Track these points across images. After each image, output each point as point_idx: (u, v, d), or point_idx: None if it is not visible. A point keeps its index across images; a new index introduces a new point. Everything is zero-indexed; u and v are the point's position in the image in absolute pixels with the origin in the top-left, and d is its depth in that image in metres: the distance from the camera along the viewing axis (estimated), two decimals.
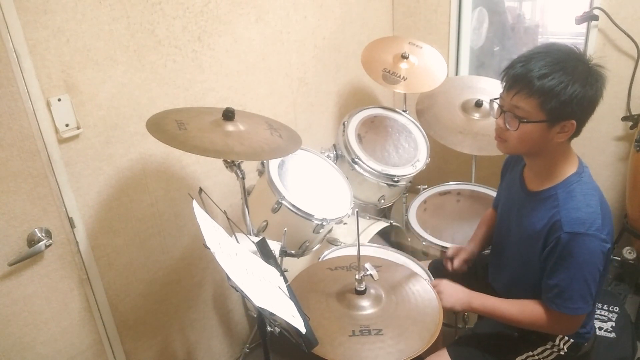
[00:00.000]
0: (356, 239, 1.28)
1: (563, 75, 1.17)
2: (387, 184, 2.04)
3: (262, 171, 1.71)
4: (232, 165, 1.50)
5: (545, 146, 1.26)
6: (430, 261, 1.84)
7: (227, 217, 1.26)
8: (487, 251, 1.69)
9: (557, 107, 1.18)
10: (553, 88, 1.17)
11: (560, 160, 1.29)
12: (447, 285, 1.45)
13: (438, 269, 1.74)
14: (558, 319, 1.29)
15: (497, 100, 1.32)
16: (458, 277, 1.59)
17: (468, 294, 1.42)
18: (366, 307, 1.27)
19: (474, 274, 1.67)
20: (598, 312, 2.02)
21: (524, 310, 1.34)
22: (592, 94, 1.19)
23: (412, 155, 2.18)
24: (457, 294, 1.42)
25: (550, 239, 1.25)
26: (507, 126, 1.26)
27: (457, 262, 1.64)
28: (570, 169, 1.29)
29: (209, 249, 1.01)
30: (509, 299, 1.37)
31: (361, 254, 1.28)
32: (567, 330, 1.35)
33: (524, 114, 1.22)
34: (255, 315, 1.43)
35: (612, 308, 2.03)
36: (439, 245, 1.96)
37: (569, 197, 1.25)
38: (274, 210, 1.60)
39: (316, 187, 1.83)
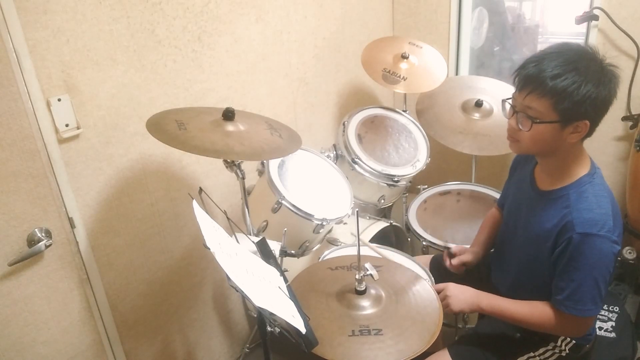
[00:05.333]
0: (356, 238, 1.28)
1: (576, 76, 1.16)
2: (387, 184, 2.04)
3: (262, 171, 1.71)
4: (232, 165, 1.50)
5: (558, 146, 1.25)
6: (432, 256, 1.83)
7: (227, 217, 1.26)
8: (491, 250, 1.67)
9: (570, 107, 1.17)
10: (566, 88, 1.16)
11: (572, 160, 1.29)
12: (454, 288, 1.42)
13: (439, 265, 1.71)
14: (568, 321, 1.28)
15: (509, 101, 1.31)
16: (460, 277, 1.59)
17: (476, 295, 1.41)
18: (366, 307, 1.26)
19: (477, 274, 1.66)
20: None
21: (533, 312, 1.32)
22: (606, 93, 1.18)
23: (412, 155, 2.18)
24: (466, 297, 1.40)
25: (562, 239, 1.24)
26: (520, 126, 1.25)
27: (456, 261, 1.61)
28: (583, 170, 1.28)
29: (209, 249, 1.01)
30: (518, 300, 1.36)
31: (361, 254, 1.28)
32: (576, 332, 1.34)
33: (537, 115, 1.21)
34: (255, 315, 1.43)
35: (612, 308, 2.03)
36: (439, 245, 1.96)
37: (580, 198, 1.24)
38: (274, 210, 1.60)
39: (316, 187, 1.83)
